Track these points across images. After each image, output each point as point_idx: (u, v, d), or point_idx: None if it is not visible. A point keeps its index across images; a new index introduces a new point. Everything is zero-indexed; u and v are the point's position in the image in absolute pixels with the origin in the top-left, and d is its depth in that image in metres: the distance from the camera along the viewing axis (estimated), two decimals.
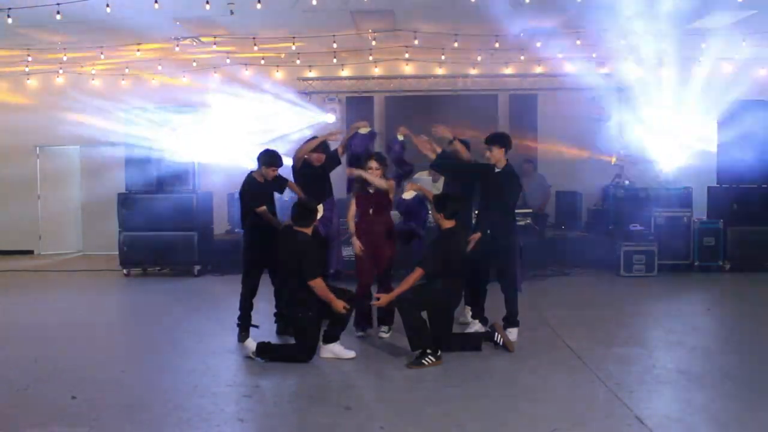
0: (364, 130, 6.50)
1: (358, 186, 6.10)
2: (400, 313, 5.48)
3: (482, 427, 4.05)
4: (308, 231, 5.49)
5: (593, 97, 11.07)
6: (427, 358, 5.19)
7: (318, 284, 5.30)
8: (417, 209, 6.55)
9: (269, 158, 6.11)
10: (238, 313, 6.12)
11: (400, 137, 6.52)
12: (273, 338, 5.95)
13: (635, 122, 10.72)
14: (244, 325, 6.06)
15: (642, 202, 9.99)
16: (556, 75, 11.28)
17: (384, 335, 6.05)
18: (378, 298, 5.60)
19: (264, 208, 6.03)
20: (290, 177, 6.44)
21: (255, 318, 6.16)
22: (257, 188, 6.12)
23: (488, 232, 5.81)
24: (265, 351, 5.40)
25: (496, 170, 5.94)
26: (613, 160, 10.68)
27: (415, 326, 5.30)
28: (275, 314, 6.25)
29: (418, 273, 5.34)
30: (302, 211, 5.50)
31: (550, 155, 11.16)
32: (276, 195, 6.36)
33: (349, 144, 6.50)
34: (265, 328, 6.09)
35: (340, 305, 5.31)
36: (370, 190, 5.99)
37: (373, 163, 5.98)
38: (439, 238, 5.57)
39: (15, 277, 10.23)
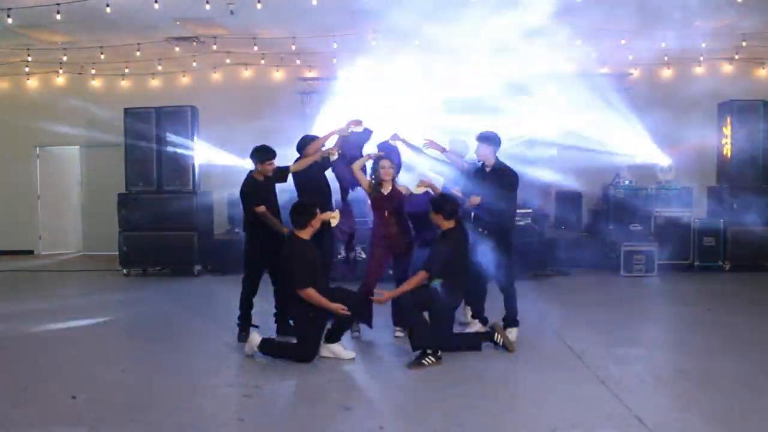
0: (358, 129, 6.43)
1: (373, 189, 5.97)
2: (400, 313, 5.47)
3: (482, 427, 4.05)
4: (304, 234, 5.44)
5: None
6: (427, 358, 5.19)
7: (309, 294, 5.24)
8: (427, 206, 6.45)
9: (262, 154, 6.05)
10: (238, 313, 6.12)
11: (392, 143, 6.46)
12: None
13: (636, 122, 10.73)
14: (244, 325, 6.06)
15: (642, 202, 9.99)
16: (556, 74, 11.25)
17: (399, 334, 5.98)
18: (381, 294, 5.59)
19: (263, 208, 5.98)
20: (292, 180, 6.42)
21: (255, 318, 6.16)
22: (256, 188, 6.08)
23: (484, 231, 5.80)
24: (267, 347, 5.41)
25: (486, 169, 5.93)
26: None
27: (415, 326, 5.30)
28: (275, 314, 6.25)
29: (422, 275, 5.33)
30: (292, 214, 5.47)
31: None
32: (278, 196, 6.34)
33: (345, 143, 6.45)
34: (265, 328, 6.10)
35: (339, 309, 5.27)
36: (385, 192, 5.95)
37: (386, 163, 5.90)
38: (440, 239, 5.56)
39: (15, 277, 10.24)
